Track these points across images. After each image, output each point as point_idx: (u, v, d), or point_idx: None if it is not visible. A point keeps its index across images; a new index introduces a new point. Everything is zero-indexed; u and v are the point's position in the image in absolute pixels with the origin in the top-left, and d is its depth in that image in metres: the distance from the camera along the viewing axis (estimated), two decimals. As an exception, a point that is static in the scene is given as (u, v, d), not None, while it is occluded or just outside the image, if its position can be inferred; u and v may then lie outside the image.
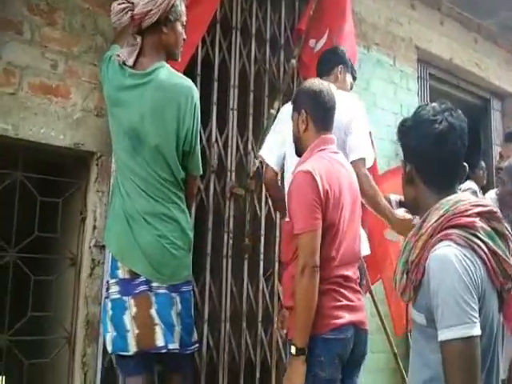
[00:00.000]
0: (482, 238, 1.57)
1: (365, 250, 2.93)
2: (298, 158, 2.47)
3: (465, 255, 1.53)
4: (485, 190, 4.58)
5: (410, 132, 1.71)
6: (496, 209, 1.66)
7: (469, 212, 1.60)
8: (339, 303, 2.24)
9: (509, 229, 1.66)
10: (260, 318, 3.59)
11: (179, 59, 2.56)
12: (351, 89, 3.21)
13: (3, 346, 2.80)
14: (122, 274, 2.36)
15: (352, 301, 2.28)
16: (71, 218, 2.99)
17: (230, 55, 3.64)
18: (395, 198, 2.86)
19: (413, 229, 1.70)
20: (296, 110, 2.48)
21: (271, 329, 3.63)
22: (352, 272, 2.33)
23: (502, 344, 1.69)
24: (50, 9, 2.84)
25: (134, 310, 2.32)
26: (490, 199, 3.47)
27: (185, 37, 2.54)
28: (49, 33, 2.83)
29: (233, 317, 3.45)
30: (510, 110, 6.02)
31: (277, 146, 2.94)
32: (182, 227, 2.42)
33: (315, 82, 2.51)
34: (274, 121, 3.19)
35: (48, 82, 2.81)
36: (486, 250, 1.56)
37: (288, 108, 2.68)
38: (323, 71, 3.11)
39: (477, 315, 1.49)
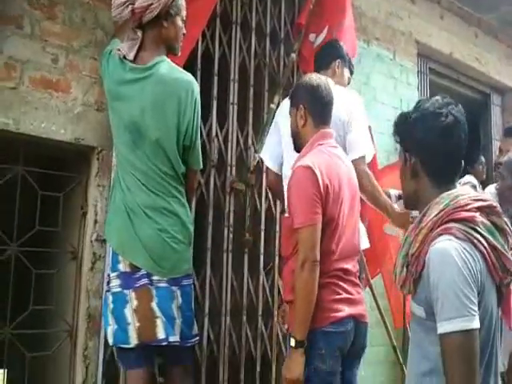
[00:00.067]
0: (482, 232, 1.58)
1: (364, 243, 2.94)
2: (296, 154, 2.48)
3: (465, 249, 1.54)
4: (484, 184, 4.59)
5: (417, 124, 1.70)
6: (496, 203, 1.67)
7: (469, 206, 1.61)
8: (339, 296, 2.25)
9: (508, 224, 1.67)
10: (260, 312, 3.60)
11: (179, 54, 2.56)
12: (349, 83, 3.21)
13: (5, 340, 2.81)
14: (122, 267, 2.37)
15: (352, 294, 2.30)
16: (72, 212, 3.00)
17: (230, 49, 3.64)
18: (395, 192, 2.88)
19: (411, 223, 1.71)
20: (294, 105, 2.49)
21: (271, 322, 3.65)
22: (352, 265, 2.35)
23: (500, 338, 1.70)
24: (51, 3, 2.84)
25: (134, 303, 2.33)
26: (489, 194, 3.47)
27: (184, 31, 2.54)
28: (49, 27, 2.83)
29: (233, 310, 3.46)
30: (510, 104, 6.02)
31: (275, 146, 2.97)
32: (183, 221, 2.43)
33: (312, 77, 2.51)
34: (273, 116, 3.20)
35: (49, 76, 2.81)
36: (485, 244, 1.57)
37: (286, 104, 2.68)
38: (321, 65, 3.11)
39: (476, 308, 1.50)
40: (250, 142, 3.65)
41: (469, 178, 4.63)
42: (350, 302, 2.28)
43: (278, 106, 3.24)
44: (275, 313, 3.60)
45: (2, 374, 4.00)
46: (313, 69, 3.14)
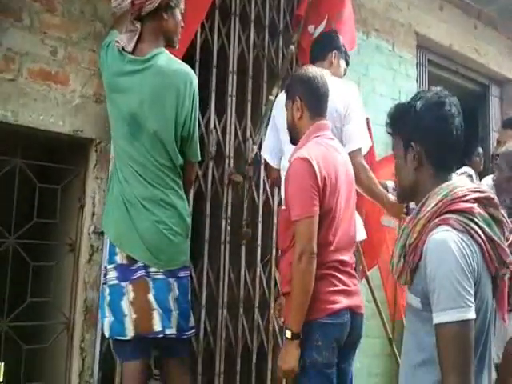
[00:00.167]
0: (479, 223, 1.59)
1: (361, 234, 2.95)
2: (293, 146, 2.48)
3: (462, 240, 1.54)
4: (482, 176, 4.59)
5: (424, 113, 1.70)
6: (493, 195, 1.68)
7: (467, 197, 1.61)
8: (336, 288, 2.26)
9: (505, 215, 1.68)
10: (257, 304, 3.60)
11: (177, 46, 2.56)
12: (345, 74, 3.22)
13: (2, 332, 2.82)
14: (120, 259, 2.38)
15: (348, 285, 2.30)
16: (70, 204, 3.00)
17: (228, 41, 3.62)
18: (392, 184, 2.88)
19: (405, 213, 1.71)
20: (290, 97, 2.49)
21: (268, 315, 3.65)
22: (348, 257, 2.36)
23: (494, 329, 1.71)
24: (49, -5, 2.83)
25: (131, 295, 2.34)
26: (486, 185, 3.47)
27: (182, 24, 2.54)
28: (48, 19, 2.82)
29: (230, 303, 3.46)
30: (509, 96, 6.00)
31: (273, 142, 2.99)
32: (180, 213, 2.43)
33: (308, 69, 2.51)
34: (271, 108, 3.20)
35: (47, 68, 2.80)
36: (482, 235, 1.58)
37: (283, 97, 2.68)
38: (317, 57, 3.12)
39: (472, 299, 1.51)
40: (248, 134, 3.64)
41: (465, 168, 4.64)
42: (347, 293, 2.29)
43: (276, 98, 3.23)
44: (272, 305, 3.60)
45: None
46: (310, 60, 3.14)
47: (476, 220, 1.59)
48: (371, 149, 3.47)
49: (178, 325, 2.40)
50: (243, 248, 3.57)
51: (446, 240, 1.54)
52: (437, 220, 1.60)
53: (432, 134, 1.69)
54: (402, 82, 4.78)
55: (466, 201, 1.61)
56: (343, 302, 2.26)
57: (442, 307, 1.51)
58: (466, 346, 1.49)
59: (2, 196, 2.91)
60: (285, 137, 2.69)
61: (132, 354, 2.36)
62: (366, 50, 4.44)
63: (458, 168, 1.79)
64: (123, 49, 2.40)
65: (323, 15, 3.69)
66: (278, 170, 2.98)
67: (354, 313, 2.31)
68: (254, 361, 3.55)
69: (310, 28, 3.74)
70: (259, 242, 3.65)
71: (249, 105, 3.67)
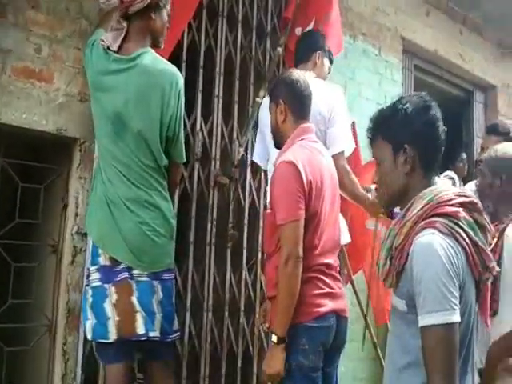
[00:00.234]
0: (464, 227, 1.59)
1: (345, 238, 2.95)
2: (277, 150, 2.47)
3: (448, 243, 1.55)
4: (466, 181, 4.62)
5: (414, 117, 1.70)
6: (477, 200, 1.68)
7: (452, 201, 1.62)
8: (322, 291, 2.25)
9: (488, 221, 1.69)
10: (242, 308, 3.59)
11: (162, 47, 2.55)
12: (329, 73, 3.23)
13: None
14: (103, 260, 2.35)
15: (333, 288, 2.30)
16: (53, 204, 2.96)
17: (216, 42, 3.61)
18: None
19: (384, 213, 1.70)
20: (274, 100, 2.49)
21: (253, 318, 3.64)
22: (333, 260, 2.35)
23: (476, 334, 1.72)
24: (34, -8, 2.80)
25: (114, 297, 2.31)
26: (469, 191, 3.49)
27: (168, 25, 2.53)
28: (33, 16, 2.78)
29: (215, 306, 3.45)
30: (493, 102, 6.06)
31: (261, 145, 3.00)
32: (164, 214, 2.41)
33: (291, 72, 2.54)
34: (258, 110, 3.19)
35: (31, 66, 2.76)
36: (467, 239, 1.59)
37: (267, 101, 2.68)
38: (301, 58, 3.14)
39: (457, 302, 1.52)
40: (234, 135, 3.63)
41: (448, 172, 4.67)
42: (332, 296, 2.29)
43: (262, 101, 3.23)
44: (257, 308, 3.59)
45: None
46: (298, 63, 3.14)
47: (461, 224, 1.59)
48: (357, 152, 3.48)
49: (162, 328, 2.37)
50: (229, 251, 3.55)
51: (432, 243, 1.54)
52: (423, 223, 1.60)
53: (423, 138, 1.70)
54: (388, 86, 4.79)
55: (452, 205, 1.61)
56: (329, 305, 2.25)
57: (427, 310, 1.51)
58: (451, 348, 1.50)
59: (-17, 196, 2.87)
60: (271, 141, 2.69)
61: (115, 357, 2.33)
62: (353, 53, 4.45)
63: (441, 172, 1.80)
64: (108, 48, 2.37)
65: (310, 17, 3.69)
66: None
67: (339, 316, 2.31)
68: (240, 364, 3.53)
69: (298, 30, 3.74)
70: (245, 244, 3.64)
71: (235, 106, 3.66)
